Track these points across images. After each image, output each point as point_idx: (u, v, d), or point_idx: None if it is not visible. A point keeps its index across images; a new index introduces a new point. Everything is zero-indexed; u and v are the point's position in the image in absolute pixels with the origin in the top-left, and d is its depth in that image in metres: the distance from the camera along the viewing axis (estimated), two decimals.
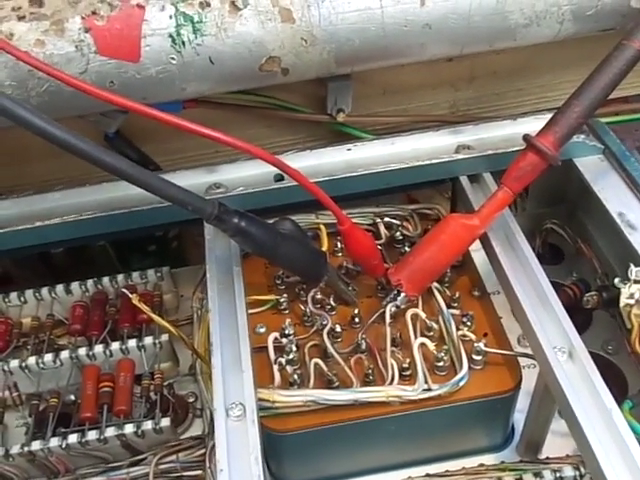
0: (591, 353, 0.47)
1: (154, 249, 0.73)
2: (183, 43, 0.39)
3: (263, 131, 0.55)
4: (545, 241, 0.59)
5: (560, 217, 0.58)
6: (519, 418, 0.48)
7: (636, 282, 0.39)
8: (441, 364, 0.44)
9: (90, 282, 0.55)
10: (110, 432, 0.46)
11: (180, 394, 0.52)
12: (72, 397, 0.50)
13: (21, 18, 0.38)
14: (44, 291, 0.55)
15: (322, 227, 0.51)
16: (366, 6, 0.40)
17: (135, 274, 0.56)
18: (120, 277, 0.55)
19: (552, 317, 0.42)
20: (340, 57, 0.42)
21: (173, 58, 0.40)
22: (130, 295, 0.49)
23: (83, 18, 0.38)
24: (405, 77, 0.53)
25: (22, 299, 0.54)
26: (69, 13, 0.38)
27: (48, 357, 0.50)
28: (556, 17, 0.42)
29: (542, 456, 0.47)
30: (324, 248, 0.50)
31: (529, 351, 0.44)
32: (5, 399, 0.51)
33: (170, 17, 0.39)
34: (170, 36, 0.39)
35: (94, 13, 0.38)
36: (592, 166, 0.52)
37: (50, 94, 0.39)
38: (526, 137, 0.44)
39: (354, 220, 0.52)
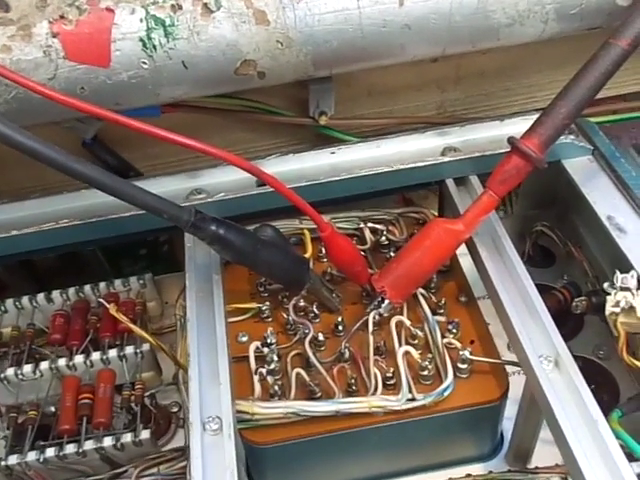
0: (582, 358, 0.46)
1: (145, 253, 0.73)
2: (154, 47, 0.38)
3: (245, 135, 0.54)
4: (535, 243, 0.58)
5: (550, 219, 0.57)
6: (508, 426, 0.47)
7: (622, 289, 0.38)
8: (426, 373, 0.43)
9: (72, 290, 0.54)
10: (89, 445, 0.45)
11: (163, 404, 0.51)
12: (52, 408, 0.49)
13: None
14: (24, 300, 0.54)
15: (306, 232, 0.50)
16: (343, 7, 0.39)
17: (118, 282, 0.55)
18: (102, 285, 0.54)
19: (538, 325, 0.40)
20: (318, 59, 0.41)
21: (145, 62, 0.39)
22: (107, 305, 0.48)
23: (51, 22, 0.37)
24: (390, 78, 0.52)
25: (2, 308, 0.53)
26: (36, 18, 0.37)
27: (27, 368, 0.49)
28: (540, 16, 0.41)
29: (531, 465, 0.46)
30: (308, 254, 0.49)
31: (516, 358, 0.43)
32: None
33: (141, 20, 0.38)
34: (141, 40, 0.38)
35: (62, 17, 0.37)
36: (581, 167, 0.50)
37: (18, 101, 0.38)
38: (511, 140, 0.43)
39: (339, 225, 0.51)
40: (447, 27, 0.40)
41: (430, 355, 0.44)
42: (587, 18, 0.43)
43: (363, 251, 0.50)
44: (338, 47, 0.40)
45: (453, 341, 0.44)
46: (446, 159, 0.50)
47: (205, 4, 0.38)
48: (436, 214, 0.54)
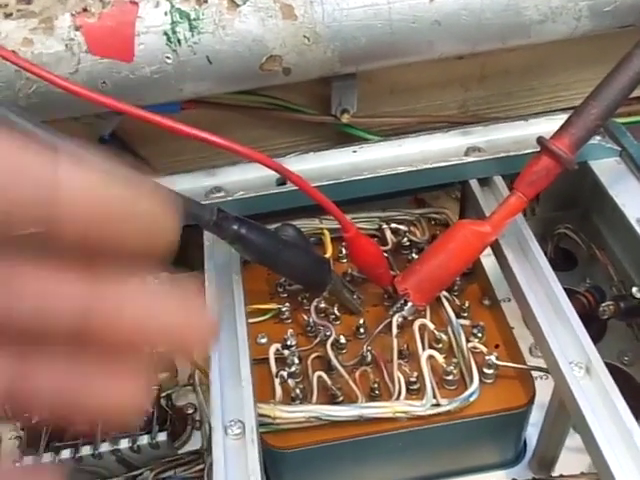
0: (606, 364, 0.45)
1: None
2: (179, 41, 0.37)
3: (265, 132, 0.53)
4: (557, 246, 0.57)
5: (573, 221, 0.55)
6: (531, 432, 0.46)
7: None
8: (450, 378, 0.42)
9: None
10: (105, 447, 0.44)
11: (179, 405, 0.50)
12: None
13: (8, 15, 0.36)
14: None
15: (326, 232, 0.49)
16: (372, 2, 0.38)
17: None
18: None
19: (568, 330, 0.39)
20: (345, 56, 0.40)
21: (168, 57, 0.38)
22: None
23: (73, 15, 0.36)
24: (413, 76, 0.51)
25: None
26: (59, 10, 0.36)
27: None
28: (573, 13, 0.40)
29: (555, 473, 0.45)
30: (328, 254, 0.48)
31: (542, 361, 0.42)
32: None
33: (165, 14, 0.37)
34: (165, 34, 0.37)
35: (85, 10, 0.36)
36: (608, 169, 0.49)
37: (39, 95, 0.37)
38: (540, 140, 0.42)
39: (359, 225, 0.50)
40: (477, 24, 0.39)
41: (455, 360, 0.43)
42: (620, 16, 0.42)
43: (384, 252, 0.49)
44: (366, 43, 0.39)
45: (478, 345, 0.43)
46: (470, 159, 0.49)
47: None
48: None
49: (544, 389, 0.43)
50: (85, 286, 0.16)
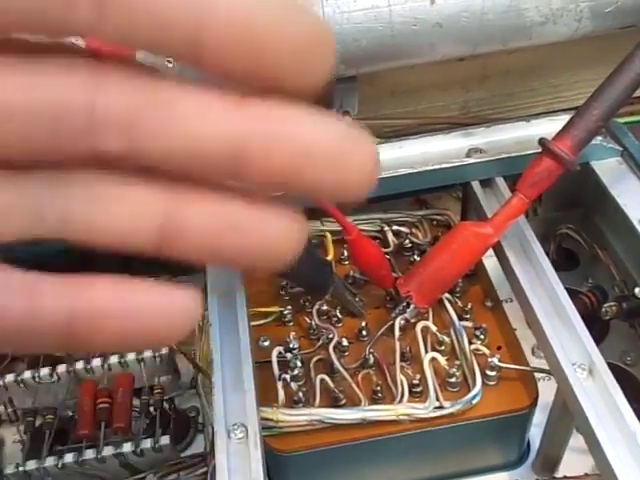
0: (609, 364, 0.45)
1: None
2: None
3: None
4: (559, 246, 0.57)
5: (575, 221, 0.55)
6: (534, 433, 0.46)
7: None
8: (453, 380, 0.42)
9: None
10: (108, 451, 0.44)
11: (181, 408, 0.50)
12: (69, 412, 0.48)
13: None
14: None
15: (328, 235, 0.49)
16: (373, 5, 0.38)
17: None
18: None
19: (571, 332, 0.39)
20: (346, 58, 0.40)
21: (170, 61, 0.38)
22: None
23: None
24: (414, 77, 0.51)
25: None
26: None
27: (45, 371, 0.48)
28: (573, 14, 0.40)
29: (559, 474, 0.45)
30: (330, 257, 0.48)
31: (544, 362, 0.42)
32: (1, 414, 0.49)
33: None
34: None
35: None
36: (610, 169, 0.49)
37: None
38: (542, 141, 0.41)
39: (361, 227, 0.50)
40: (479, 25, 0.39)
41: (457, 362, 0.43)
42: (621, 16, 0.42)
43: (386, 254, 0.49)
44: (367, 46, 0.39)
45: (481, 347, 0.43)
46: (471, 160, 0.49)
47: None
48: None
49: (547, 390, 0.43)
50: (234, 114, 0.15)
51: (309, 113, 0.15)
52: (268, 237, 0.16)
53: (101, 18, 0.14)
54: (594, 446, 0.35)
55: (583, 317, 0.41)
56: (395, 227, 0.51)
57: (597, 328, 0.53)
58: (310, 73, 0.15)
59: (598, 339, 0.54)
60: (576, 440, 0.44)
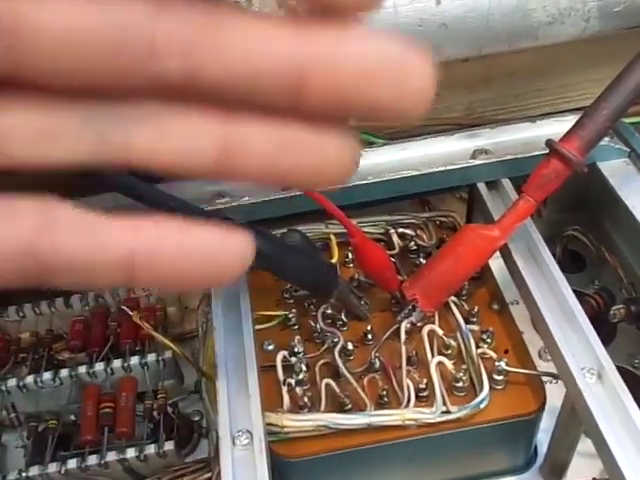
0: (617, 367, 0.45)
1: None
2: None
3: None
4: (566, 248, 0.56)
5: (581, 223, 0.55)
6: (542, 437, 0.46)
7: None
8: (460, 384, 0.41)
9: (91, 295, 0.53)
10: (111, 456, 0.44)
11: (185, 413, 0.50)
12: (72, 417, 0.48)
13: None
14: (43, 305, 0.52)
15: (332, 237, 0.49)
16: None
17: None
18: (122, 290, 0.53)
19: (579, 336, 0.39)
20: None
21: None
22: (130, 312, 0.47)
23: None
24: None
25: (20, 314, 0.52)
26: None
27: (47, 375, 0.48)
28: (581, 14, 0.40)
29: (567, 479, 0.45)
30: (334, 259, 0.48)
31: (552, 365, 0.42)
32: (3, 420, 0.49)
33: None
34: None
35: None
36: (617, 170, 0.49)
37: None
38: (549, 142, 0.41)
39: (365, 230, 0.50)
40: (485, 26, 0.39)
41: (464, 366, 0.42)
42: (629, 16, 0.42)
43: (391, 256, 0.49)
44: None
45: (488, 351, 0.43)
46: (477, 162, 0.48)
47: (236, 2, 0.36)
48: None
49: (554, 393, 0.43)
50: (293, 37, 0.15)
51: (369, 32, 0.16)
52: (325, 156, 0.17)
53: None
54: (603, 451, 0.35)
55: (590, 320, 0.40)
56: (400, 229, 0.50)
57: (604, 331, 0.52)
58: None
59: (605, 342, 0.53)
60: (584, 444, 0.43)
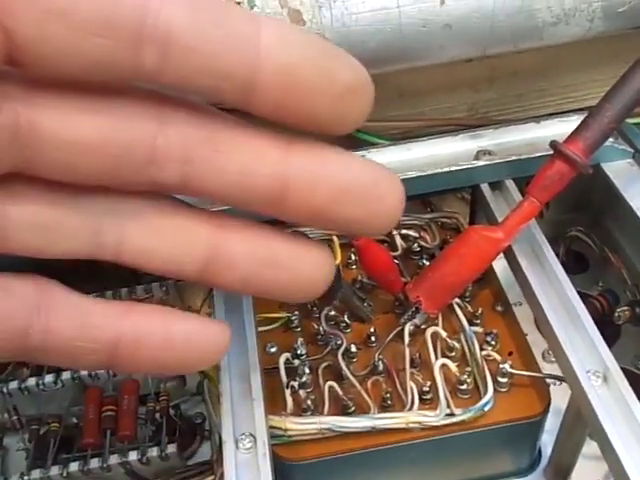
0: (621, 369, 0.44)
1: None
2: None
3: None
4: (569, 249, 0.56)
5: (583, 224, 0.55)
6: (546, 439, 0.45)
7: None
8: (464, 387, 0.41)
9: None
10: (113, 459, 0.44)
11: (187, 415, 0.50)
12: (74, 420, 0.48)
13: None
14: None
15: (334, 239, 0.48)
16: (382, 6, 0.37)
17: (140, 288, 0.53)
18: (124, 292, 0.53)
19: (584, 338, 0.39)
20: None
21: None
22: None
23: None
24: (422, 78, 0.50)
25: None
26: None
27: (49, 378, 0.48)
28: (586, 15, 0.39)
29: None
30: (337, 261, 0.47)
31: (555, 366, 0.42)
32: (5, 422, 0.49)
33: None
34: None
35: None
36: (621, 171, 0.48)
37: None
38: (553, 143, 0.41)
39: None
40: (489, 27, 0.39)
41: (468, 368, 0.42)
42: (634, 17, 0.41)
43: (394, 258, 0.49)
44: (375, 48, 0.38)
45: (492, 353, 0.43)
46: (481, 163, 0.48)
47: (238, 3, 0.36)
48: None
49: (558, 395, 0.43)
50: (281, 156, 0.16)
51: (347, 154, 0.17)
52: (303, 272, 0.18)
53: (165, 64, 0.15)
54: (609, 454, 0.35)
55: (594, 321, 0.40)
56: (403, 231, 0.50)
57: (608, 332, 0.52)
58: (348, 117, 0.16)
59: (609, 343, 0.53)
60: (589, 447, 0.43)
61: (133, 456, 0.44)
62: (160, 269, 0.18)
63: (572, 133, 0.41)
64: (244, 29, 0.15)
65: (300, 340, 0.44)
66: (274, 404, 0.41)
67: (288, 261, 0.18)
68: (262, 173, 0.16)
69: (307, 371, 0.42)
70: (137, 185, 0.16)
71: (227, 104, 0.16)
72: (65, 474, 0.43)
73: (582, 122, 0.41)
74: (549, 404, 0.41)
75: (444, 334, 0.43)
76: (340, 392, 0.41)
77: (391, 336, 0.44)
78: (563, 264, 0.54)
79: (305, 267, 0.18)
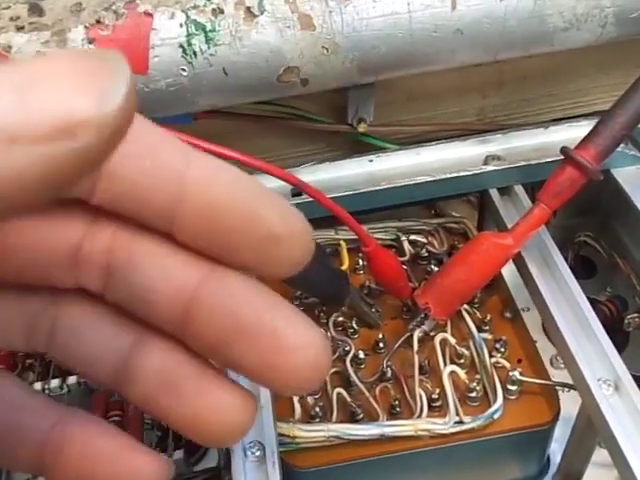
0: (632, 376, 0.44)
1: None
2: (195, 53, 0.36)
3: (279, 141, 0.52)
4: (577, 254, 0.55)
5: (592, 229, 0.54)
6: (554, 447, 0.45)
7: None
8: (473, 394, 0.41)
9: None
10: None
11: None
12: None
13: (20, 29, 0.35)
14: None
15: (342, 244, 0.48)
16: (392, 11, 0.37)
17: None
18: None
19: (595, 346, 0.38)
20: (364, 65, 0.39)
21: (184, 69, 0.37)
22: None
23: (87, 27, 0.35)
24: (431, 83, 0.50)
25: None
26: (72, 23, 0.35)
27: (55, 383, 0.48)
28: (598, 20, 0.39)
29: None
30: (345, 266, 0.47)
31: (564, 373, 0.41)
32: None
33: (181, 25, 0.36)
34: (180, 46, 0.36)
35: (98, 22, 0.35)
36: (631, 177, 0.48)
37: None
38: (564, 149, 0.40)
39: (376, 236, 0.49)
40: (501, 32, 0.38)
41: (477, 375, 0.42)
42: None
43: (402, 263, 0.48)
44: (386, 53, 0.38)
45: (501, 360, 0.42)
46: (490, 168, 0.48)
47: (248, 8, 0.36)
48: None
49: (567, 402, 0.42)
50: (196, 273, 0.16)
51: (260, 294, 0.16)
52: (201, 412, 0.17)
53: (94, 187, 0.15)
54: (621, 464, 0.34)
55: (603, 327, 0.40)
56: (413, 236, 0.50)
57: (617, 339, 0.52)
58: (274, 263, 0.16)
59: (618, 350, 0.52)
60: (597, 455, 0.43)
61: None
62: (78, 367, 0.18)
63: (583, 139, 0.41)
64: (173, 163, 0.15)
65: None
66: (282, 411, 0.40)
67: (192, 395, 0.17)
68: (169, 290, 0.16)
69: None
70: (63, 286, 0.17)
71: (151, 226, 0.16)
72: None
73: (593, 128, 0.41)
74: (559, 412, 0.41)
75: (453, 340, 0.43)
76: (348, 399, 0.41)
77: (399, 342, 0.43)
78: (571, 269, 0.54)
79: (204, 408, 0.17)
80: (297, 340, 0.16)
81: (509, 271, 0.47)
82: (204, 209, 0.15)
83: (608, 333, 0.39)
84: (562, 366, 0.46)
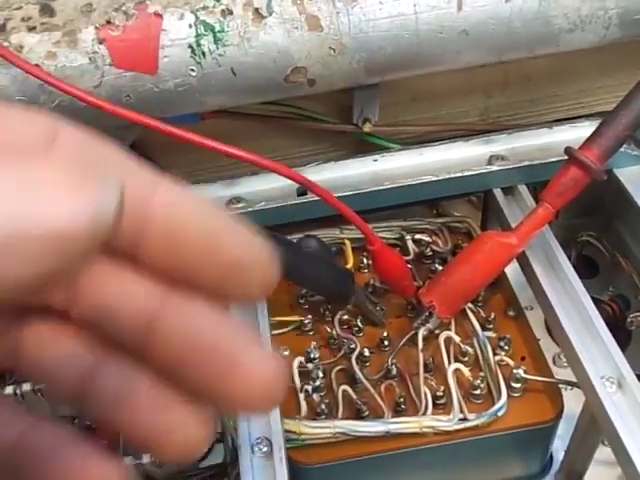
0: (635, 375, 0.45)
1: None
2: (203, 54, 0.37)
3: (285, 142, 0.52)
4: (580, 254, 0.56)
5: (595, 228, 0.55)
6: (557, 444, 0.45)
7: None
8: (477, 392, 0.41)
9: None
10: (127, 461, 0.44)
11: None
12: (87, 422, 0.48)
13: (31, 29, 0.35)
14: None
15: (347, 242, 0.49)
16: (399, 12, 0.37)
17: None
18: None
19: (599, 344, 0.39)
20: (371, 66, 0.39)
21: (193, 70, 0.37)
22: None
23: (97, 28, 0.35)
24: (435, 83, 0.50)
25: None
26: (82, 23, 0.35)
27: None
28: (602, 21, 0.39)
29: None
30: (349, 265, 0.48)
31: (567, 370, 0.42)
32: None
33: (190, 26, 0.36)
34: (190, 47, 0.36)
35: (109, 23, 0.35)
36: (634, 177, 0.49)
37: (62, 109, 0.37)
38: (568, 150, 0.41)
39: (380, 235, 0.50)
40: (506, 33, 0.39)
41: (481, 373, 0.42)
42: None
43: (406, 262, 0.49)
44: (392, 54, 0.39)
45: (505, 358, 0.43)
46: (493, 168, 0.48)
47: (256, 9, 0.36)
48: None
49: (570, 400, 0.43)
50: (159, 295, 0.17)
51: (220, 319, 0.17)
52: (154, 429, 0.17)
53: None
54: (625, 461, 0.35)
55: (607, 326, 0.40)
56: (417, 236, 0.50)
57: (619, 338, 0.52)
58: (236, 289, 0.16)
59: (621, 349, 0.53)
60: (600, 452, 0.43)
61: (147, 458, 0.44)
62: (45, 377, 0.18)
63: (587, 139, 0.41)
64: (141, 188, 0.16)
65: (313, 344, 0.44)
66: (289, 407, 0.41)
67: (146, 413, 0.17)
68: (129, 313, 0.17)
69: (320, 375, 0.42)
70: (30, 303, 0.17)
71: (116, 249, 0.16)
72: None
73: (597, 129, 0.41)
74: (562, 410, 0.41)
75: (457, 339, 0.43)
76: (354, 396, 0.41)
77: (404, 340, 0.44)
78: (574, 268, 0.55)
79: (161, 426, 0.17)
80: (252, 366, 0.16)
81: (513, 270, 0.47)
82: (168, 235, 0.16)
83: (611, 332, 0.40)
84: (565, 364, 0.46)
